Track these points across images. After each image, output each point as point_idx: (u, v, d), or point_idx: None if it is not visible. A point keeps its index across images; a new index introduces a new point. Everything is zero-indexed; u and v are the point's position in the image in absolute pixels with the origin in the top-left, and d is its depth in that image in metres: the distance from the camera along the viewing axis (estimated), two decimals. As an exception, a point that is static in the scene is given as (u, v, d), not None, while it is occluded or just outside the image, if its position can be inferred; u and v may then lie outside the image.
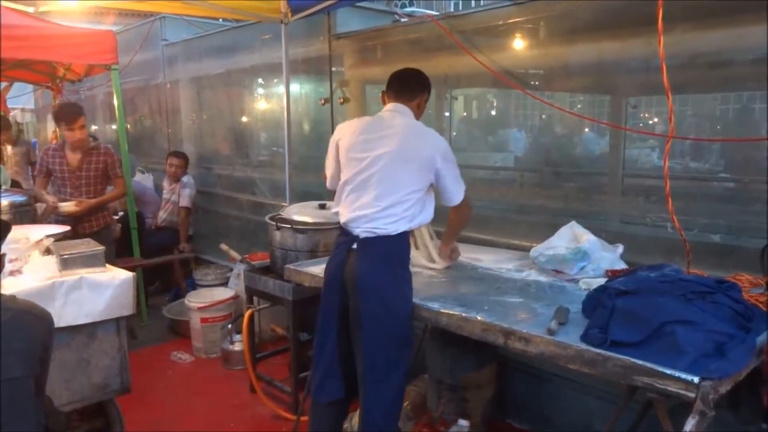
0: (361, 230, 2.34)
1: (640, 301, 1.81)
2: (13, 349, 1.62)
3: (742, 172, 2.79)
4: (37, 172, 4.22)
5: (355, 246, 2.34)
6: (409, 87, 2.50)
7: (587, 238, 2.59)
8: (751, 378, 1.74)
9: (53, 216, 4.08)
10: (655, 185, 2.81)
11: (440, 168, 2.37)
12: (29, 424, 1.65)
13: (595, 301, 1.97)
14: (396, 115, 2.45)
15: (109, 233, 4.40)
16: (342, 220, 2.43)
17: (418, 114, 2.52)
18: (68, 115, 4.01)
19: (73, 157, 4.13)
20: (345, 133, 2.48)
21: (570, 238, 2.65)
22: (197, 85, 6.16)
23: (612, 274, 2.37)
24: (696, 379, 1.52)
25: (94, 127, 7.92)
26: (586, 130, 3.41)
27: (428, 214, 2.45)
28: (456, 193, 2.46)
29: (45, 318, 1.78)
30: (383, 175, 2.33)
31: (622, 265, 2.51)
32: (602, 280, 2.27)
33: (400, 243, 2.36)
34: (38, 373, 1.72)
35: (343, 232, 2.42)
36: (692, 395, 1.53)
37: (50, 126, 8.29)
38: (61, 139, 4.30)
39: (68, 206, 4.05)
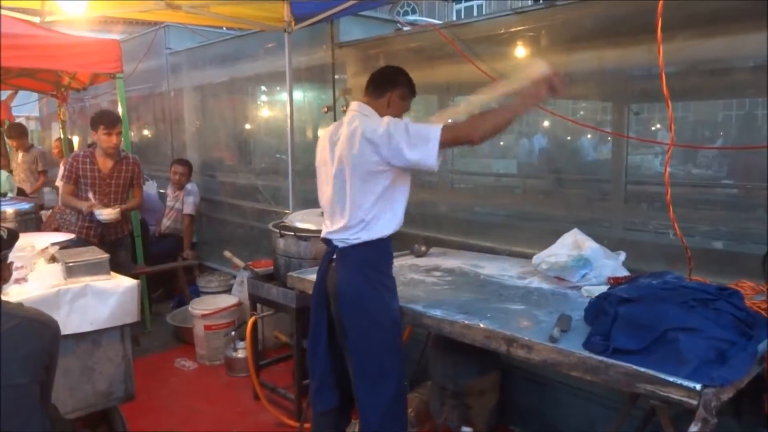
0: (338, 240, 2.34)
1: (642, 309, 1.81)
2: (19, 356, 1.63)
3: (745, 179, 2.79)
4: (66, 178, 4.12)
5: (335, 256, 2.35)
6: (378, 84, 2.41)
7: (589, 245, 2.59)
8: (753, 385, 1.74)
9: (78, 224, 4.08)
10: (658, 192, 2.80)
11: (385, 153, 2.15)
12: (34, 430, 1.66)
13: (597, 309, 1.97)
14: (352, 118, 2.32)
15: (129, 240, 4.44)
16: (322, 234, 2.45)
17: (389, 113, 2.32)
18: (109, 120, 4.03)
19: (105, 164, 4.13)
20: (319, 144, 2.48)
21: (572, 245, 2.65)
22: (201, 93, 6.19)
23: (614, 282, 2.37)
24: (698, 387, 1.53)
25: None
26: (588, 136, 3.41)
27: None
28: (423, 158, 2.10)
29: (51, 325, 1.79)
30: (337, 194, 2.31)
31: (624, 273, 2.51)
32: (604, 288, 2.28)
33: (379, 250, 2.31)
34: (44, 380, 1.73)
35: (326, 243, 2.43)
36: (695, 402, 1.53)
37: (54, 134, 8.35)
38: (87, 147, 4.31)
39: (111, 212, 3.99)
